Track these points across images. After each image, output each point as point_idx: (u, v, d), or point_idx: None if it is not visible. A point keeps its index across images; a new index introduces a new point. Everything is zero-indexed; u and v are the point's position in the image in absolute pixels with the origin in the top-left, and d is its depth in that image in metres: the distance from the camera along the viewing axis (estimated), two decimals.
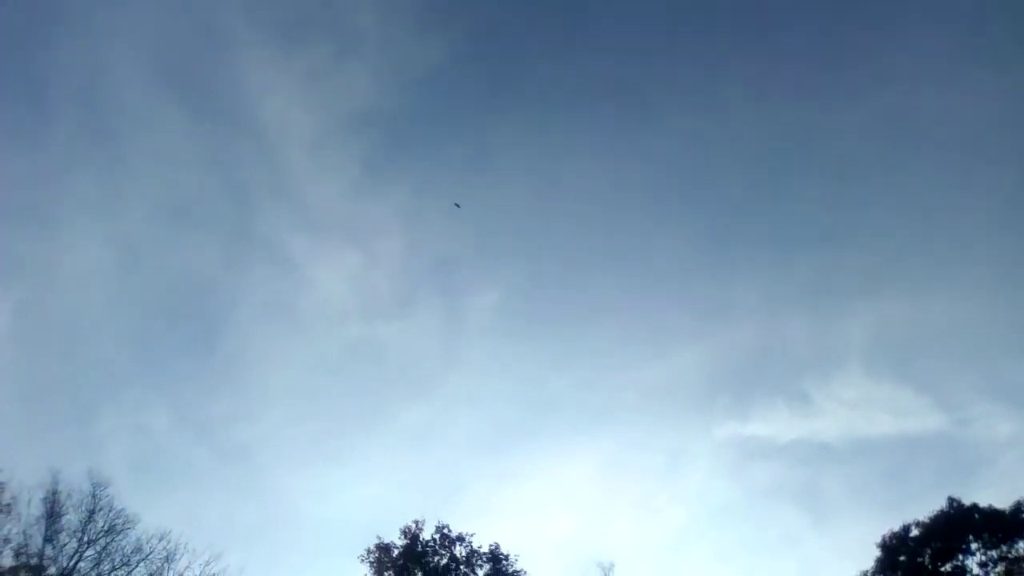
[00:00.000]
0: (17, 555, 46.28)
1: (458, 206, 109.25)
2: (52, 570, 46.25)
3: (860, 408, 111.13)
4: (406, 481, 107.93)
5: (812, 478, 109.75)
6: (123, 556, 47.72)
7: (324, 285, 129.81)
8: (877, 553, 55.34)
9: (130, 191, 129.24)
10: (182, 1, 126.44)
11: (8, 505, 46.59)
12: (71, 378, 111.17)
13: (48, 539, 46.43)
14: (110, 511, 48.07)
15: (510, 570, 52.92)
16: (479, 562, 53.25)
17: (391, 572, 52.66)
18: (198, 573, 48.66)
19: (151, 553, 48.21)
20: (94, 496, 47.89)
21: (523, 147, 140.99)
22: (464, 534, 54.25)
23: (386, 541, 53.72)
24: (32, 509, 46.55)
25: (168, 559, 48.52)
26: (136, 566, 47.92)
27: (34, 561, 46.18)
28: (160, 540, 48.64)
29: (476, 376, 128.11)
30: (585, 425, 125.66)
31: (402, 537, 53.95)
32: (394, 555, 53.16)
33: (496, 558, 53.25)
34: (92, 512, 47.56)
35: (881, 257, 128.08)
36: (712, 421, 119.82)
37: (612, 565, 52.35)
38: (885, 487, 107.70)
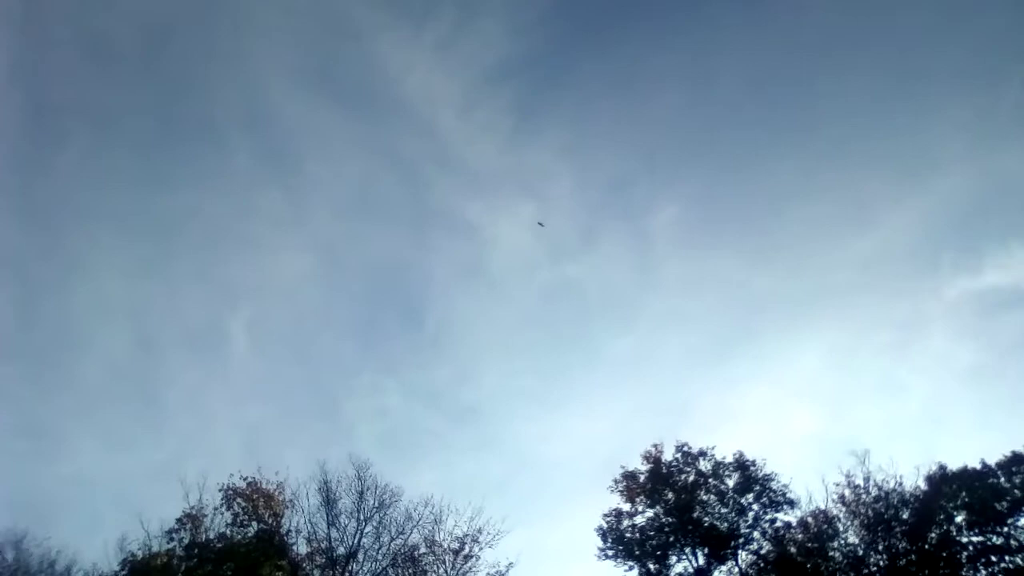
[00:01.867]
0: (309, 542, 49.96)
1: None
2: (341, 550, 49.52)
3: None
4: (632, 410, 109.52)
5: None
6: (397, 526, 50.37)
7: (507, 240, 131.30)
8: None
9: (312, 196, 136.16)
10: (309, 5, 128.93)
11: (291, 500, 50.14)
12: (310, 377, 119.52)
13: (331, 523, 49.66)
14: (376, 488, 50.66)
15: (759, 475, 52.67)
16: (726, 473, 53.32)
17: (642, 497, 53.67)
18: (466, 529, 50.96)
19: (421, 519, 50.73)
20: (360, 478, 50.58)
21: (667, 52, 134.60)
22: (705, 448, 54.35)
23: (630, 469, 54.81)
24: (311, 500, 49.88)
25: (436, 521, 50.87)
26: (410, 533, 50.59)
27: (324, 545, 49.63)
28: (425, 506, 51.04)
29: (675, 292, 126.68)
30: (802, 316, 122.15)
31: (645, 462, 54.74)
32: (641, 480, 54.05)
33: (743, 466, 53.17)
34: (362, 493, 50.30)
35: None
36: (940, 282, 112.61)
37: (867, 452, 50.92)
38: None
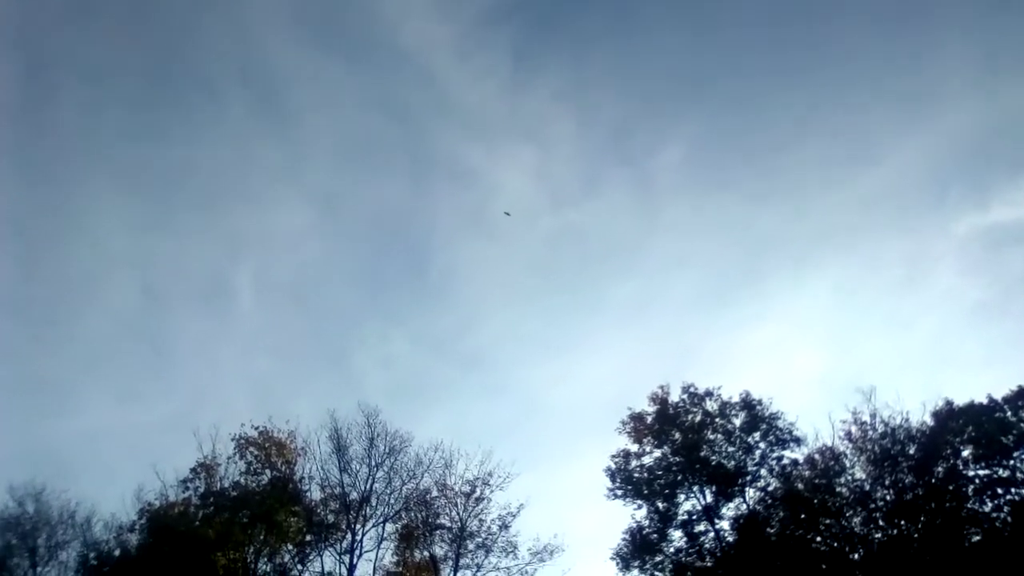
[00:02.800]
0: (322, 488, 50.96)
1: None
2: (354, 495, 50.46)
3: None
4: (637, 353, 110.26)
5: None
6: (408, 471, 51.46)
7: (508, 186, 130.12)
8: None
9: (310, 147, 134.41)
10: None
11: (303, 448, 50.99)
12: (316, 328, 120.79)
13: (343, 470, 50.68)
14: (386, 435, 51.55)
15: (766, 414, 52.76)
16: (733, 412, 53.49)
17: (649, 438, 54.10)
18: (476, 473, 51.79)
19: (431, 463, 51.67)
20: (369, 425, 51.45)
21: None
22: (711, 389, 54.43)
23: (637, 411, 55.04)
24: (323, 447, 50.75)
25: (447, 465, 51.93)
26: (422, 478, 51.67)
27: (337, 491, 50.65)
28: (435, 451, 51.94)
29: (679, 235, 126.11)
30: (807, 255, 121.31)
31: (651, 404, 54.93)
32: (648, 422, 54.37)
33: (749, 405, 53.26)
34: (372, 439, 51.17)
35: None
36: (947, 218, 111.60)
37: (873, 389, 50.66)
38: None
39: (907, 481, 49.15)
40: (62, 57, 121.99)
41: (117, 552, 47.99)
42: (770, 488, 51.92)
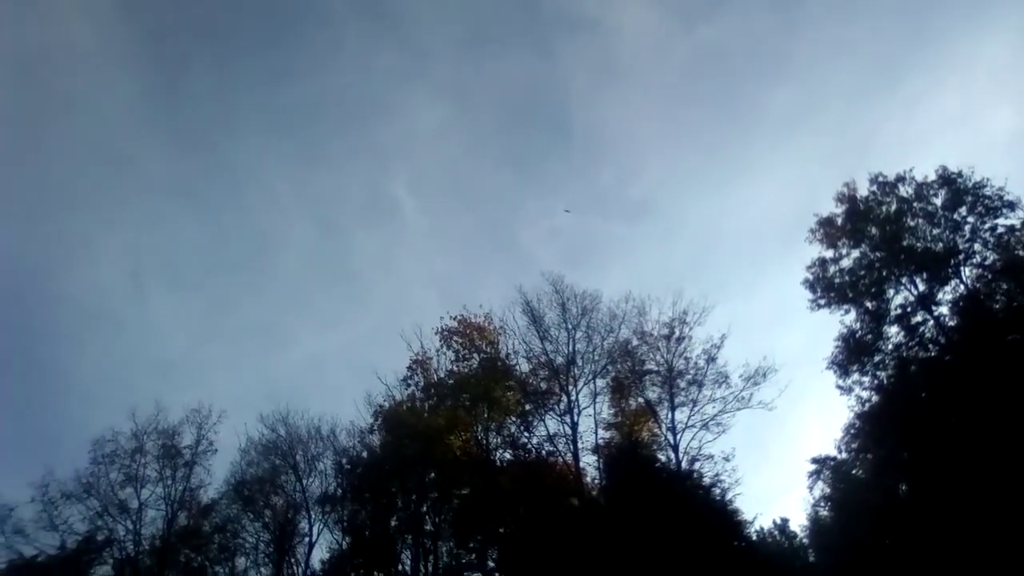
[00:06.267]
0: (528, 360, 52.56)
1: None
2: (559, 359, 51.70)
3: None
4: (805, 159, 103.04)
5: None
6: (605, 326, 51.86)
7: (632, 22, 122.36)
8: None
9: (428, 41, 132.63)
10: None
11: (501, 327, 52.66)
12: (480, 219, 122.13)
13: (543, 338, 51.70)
14: (575, 297, 51.97)
15: (968, 185, 48.46)
16: (931, 193, 49.43)
17: (843, 239, 51.46)
18: (671, 314, 51.63)
19: (625, 315, 51.84)
20: (557, 291, 51.91)
21: None
22: (901, 173, 50.37)
23: (825, 215, 52.30)
24: (519, 322, 51.91)
25: (640, 313, 51.97)
26: (619, 329, 52.01)
27: (543, 359, 51.99)
28: (627, 302, 52.00)
29: (829, 21, 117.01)
30: (982, 3, 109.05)
31: (838, 204, 51.93)
32: (839, 223, 51.56)
33: (948, 180, 48.96)
34: (563, 304, 51.72)
35: None
36: None
37: None
38: None
39: None
40: (177, 24, 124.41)
41: (364, 453, 52.41)
42: (988, 262, 48.42)
